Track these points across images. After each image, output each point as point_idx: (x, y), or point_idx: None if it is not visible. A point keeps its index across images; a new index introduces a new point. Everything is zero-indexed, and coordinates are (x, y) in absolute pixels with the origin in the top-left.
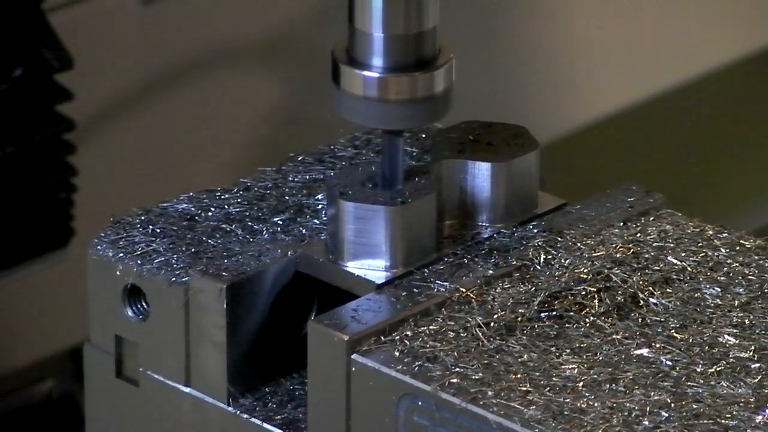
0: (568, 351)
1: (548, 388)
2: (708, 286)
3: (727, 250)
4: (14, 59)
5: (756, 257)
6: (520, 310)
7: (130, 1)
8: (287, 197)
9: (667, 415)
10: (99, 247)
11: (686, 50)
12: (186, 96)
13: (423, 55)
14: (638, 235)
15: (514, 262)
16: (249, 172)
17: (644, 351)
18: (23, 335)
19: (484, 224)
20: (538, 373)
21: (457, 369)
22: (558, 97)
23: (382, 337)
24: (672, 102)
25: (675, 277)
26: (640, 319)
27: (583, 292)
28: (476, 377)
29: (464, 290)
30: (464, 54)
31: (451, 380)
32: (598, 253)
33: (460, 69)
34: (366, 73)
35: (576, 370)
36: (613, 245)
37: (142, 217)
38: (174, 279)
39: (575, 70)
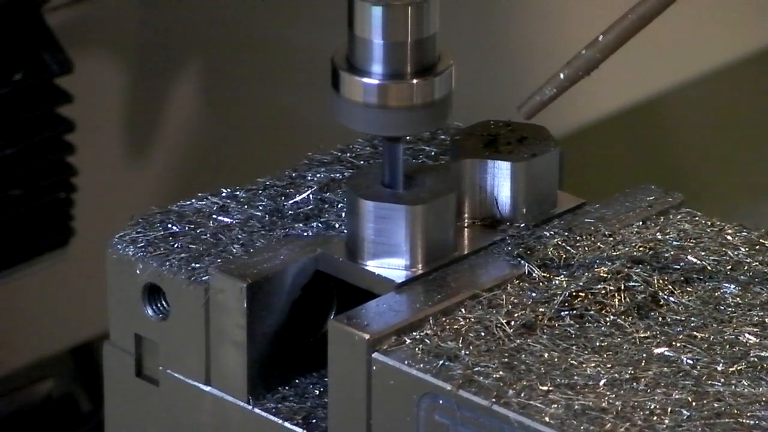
0: (588, 350)
1: (569, 387)
2: (728, 286)
3: (747, 250)
4: (15, 63)
5: None
6: (540, 310)
7: (130, 1)
8: (306, 196)
9: (688, 414)
10: (119, 246)
11: (686, 50)
12: (186, 96)
13: (423, 61)
14: (657, 234)
15: (535, 262)
16: (253, 172)
17: (665, 350)
18: (23, 335)
19: (503, 223)
20: (558, 372)
21: (478, 368)
22: (564, 97)
23: (403, 336)
24: (678, 100)
25: (695, 276)
26: (660, 318)
27: (603, 291)
28: (497, 376)
29: (484, 289)
30: (469, 54)
31: (472, 379)
32: (618, 253)
33: (464, 70)
34: (366, 79)
35: (597, 368)
36: (633, 244)
37: (162, 216)
38: (194, 278)
39: None
